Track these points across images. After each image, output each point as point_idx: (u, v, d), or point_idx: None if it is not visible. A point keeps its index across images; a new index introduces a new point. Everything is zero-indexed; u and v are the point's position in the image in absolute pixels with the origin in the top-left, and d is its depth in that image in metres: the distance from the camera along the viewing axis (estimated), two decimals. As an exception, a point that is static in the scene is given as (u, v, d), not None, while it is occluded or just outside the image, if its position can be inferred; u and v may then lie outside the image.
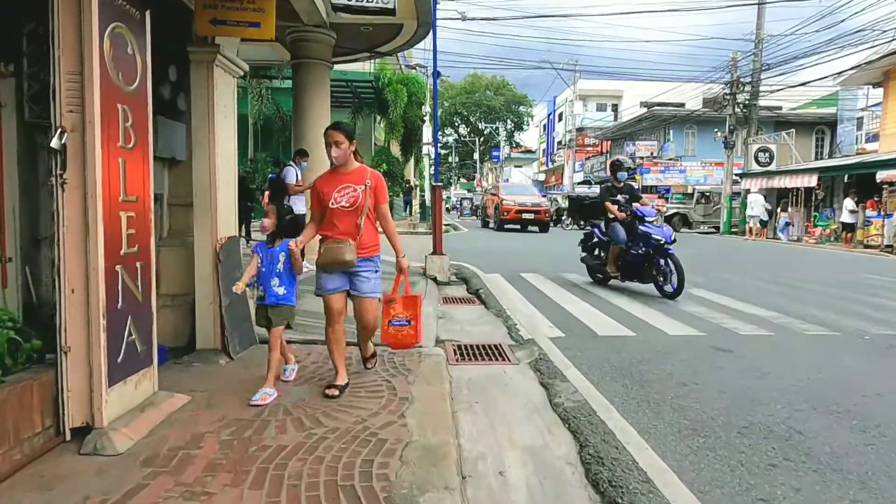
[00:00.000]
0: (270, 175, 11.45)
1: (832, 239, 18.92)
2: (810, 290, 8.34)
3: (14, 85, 3.12)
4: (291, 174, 7.97)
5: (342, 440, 2.77)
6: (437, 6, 9.82)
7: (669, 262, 7.06)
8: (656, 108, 33.09)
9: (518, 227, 20.73)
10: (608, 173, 8.63)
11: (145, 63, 3.07)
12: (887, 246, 15.94)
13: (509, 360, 4.48)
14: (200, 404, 3.26)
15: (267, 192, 8.72)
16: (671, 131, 33.88)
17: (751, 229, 21.74)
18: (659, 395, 3.65)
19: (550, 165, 53.86)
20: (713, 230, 25.00)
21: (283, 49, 9.42)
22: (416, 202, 28.82)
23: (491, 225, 22.52)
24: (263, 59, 11.59)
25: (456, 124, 61.25)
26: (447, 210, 37.87)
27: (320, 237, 3.54)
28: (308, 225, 3.67)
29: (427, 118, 22.60)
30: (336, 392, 3.38)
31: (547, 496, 2.47)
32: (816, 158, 28.67)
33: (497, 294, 7.25)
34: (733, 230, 23.76)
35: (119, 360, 2.85)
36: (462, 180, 71.13)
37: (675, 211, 25.30)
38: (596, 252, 8.42)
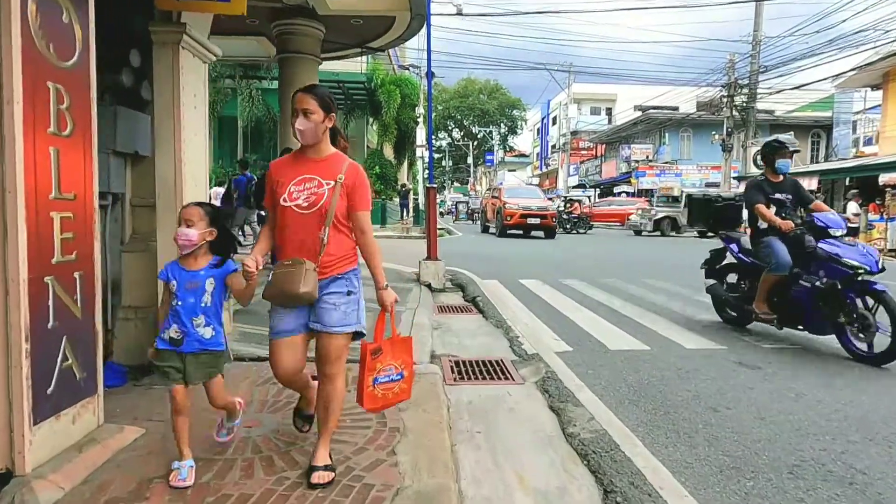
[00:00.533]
0: (239, 177, 10.96)
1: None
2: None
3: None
4: None
5: (320, 487, 2.29)
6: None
7: (871, 302, 4.51)
8: (651, 111, 32.87)
9: (521, 232, 18.94)
10: (760, 162, 5.54)
11: (86, 36, 2.58)
12: (891, 250, 15.59)
13: (513, 379, 4.01)
14: (155, 437, 2.76)
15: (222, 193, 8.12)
16: (667, 134, 33.71)
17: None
18: (688, 424, 3.19)
19: (544, 169, 53.65)
20: (705, 234, 24.49)
21: (270, 44, 8.96)
22: (410, 205, 28.33)
23: (492, 230, 20.49)
24: (249, 56, 11.14)
25: (449, 128, 61.01)
26: (441, 214, 37.31)
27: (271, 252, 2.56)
28: (263, 230, 2.56)
29: (421, 120, 22.12)
30: (308, 428, 2.81)
31: (570, 562, 2.00)
32: (812, 161, 28.51)
33: (496, 302, 6.81)
34: (730, 233, 23.31)
35: (49, 390, 2.36)
36: (456, 184, 70.81)
37: (664, 214, 24.60)
38: (734, 280, 5.92)
